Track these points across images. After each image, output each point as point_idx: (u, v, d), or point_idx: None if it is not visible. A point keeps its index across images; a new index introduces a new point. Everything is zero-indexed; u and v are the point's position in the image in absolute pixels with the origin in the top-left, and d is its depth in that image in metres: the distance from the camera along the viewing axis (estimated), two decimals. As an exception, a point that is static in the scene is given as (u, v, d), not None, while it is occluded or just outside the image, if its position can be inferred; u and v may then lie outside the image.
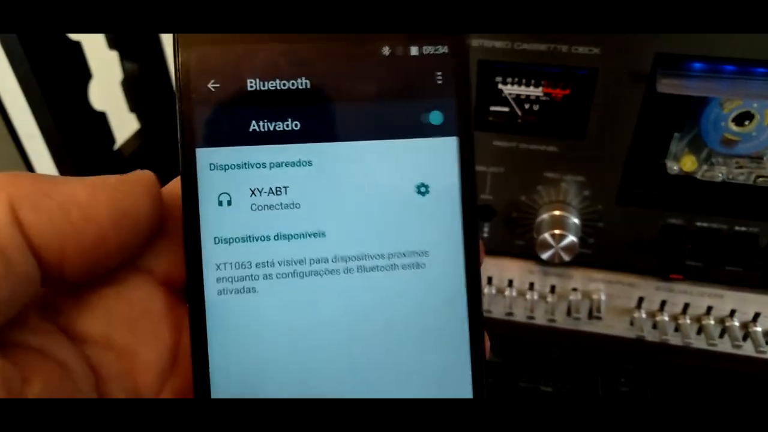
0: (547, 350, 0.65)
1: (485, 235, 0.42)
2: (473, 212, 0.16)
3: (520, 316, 0.45)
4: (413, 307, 0.16)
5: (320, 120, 0.16)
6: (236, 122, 0.15)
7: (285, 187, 0.16)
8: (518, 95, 0.36)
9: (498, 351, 0.65)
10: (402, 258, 0.16)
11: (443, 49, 0.16)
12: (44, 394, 0.14)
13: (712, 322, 0.42)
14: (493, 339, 0.57)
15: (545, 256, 0.38)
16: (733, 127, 0.36)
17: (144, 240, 0.16)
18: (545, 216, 0.38)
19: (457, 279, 0.16)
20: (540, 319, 0.44)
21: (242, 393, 0.16)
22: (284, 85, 0.15)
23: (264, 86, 0.15)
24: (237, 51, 0.15)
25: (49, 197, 0.14)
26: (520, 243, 0.41)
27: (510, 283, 0.44)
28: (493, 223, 0.41)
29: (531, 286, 0.44)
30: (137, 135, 0.57)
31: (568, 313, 0.43)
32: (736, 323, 0.41)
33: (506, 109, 0.36)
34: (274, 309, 0.16)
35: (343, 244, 0.16)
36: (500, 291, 0.44)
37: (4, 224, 0.13)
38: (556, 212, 0.38)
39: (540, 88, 0.35)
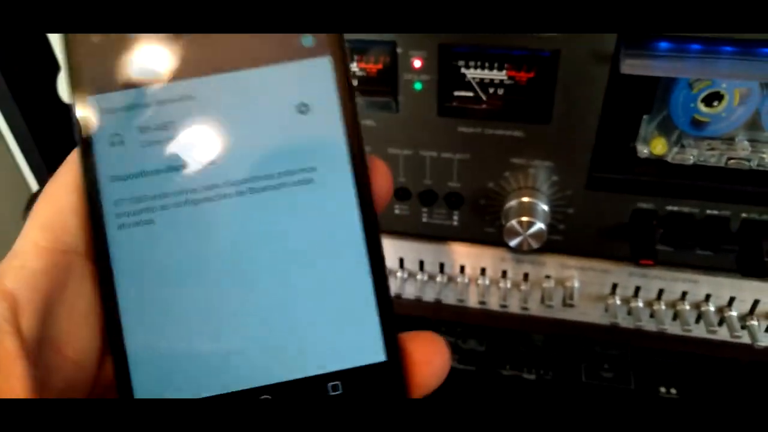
0: (530, 337, 0.65)
1: (455, 223, 0.41)
2: (356, 126, 0.17)
3: (493, 304, 0.44)
4: (308, 222, 0.17)
5: (198, 54, 0.16)
6: (121, 68, 0.16)
7: (171, 122, 0.16)
8: (482, 79, 0.35)
9: (479, 339, 0.65)
10: (291, 176, 0.17)
11: None
12: None
13: (687, 307, 0.41)
14: (471, 328, 0.56)
15: (513, 243, 0.37)
16: (703, 108, 0.35)
17: None
18: (513, 203, 0.37)
19: (347, 190, 0.17)
20: (514, 307, 0.44)
21: (151, 323, 0.17)
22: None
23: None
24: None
25: None
26: (491, 230, 0.41)
27: (483, 271, 0.43)
28: (462, 211, 0.40)
29: (504, 274, 0.43)
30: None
31: (542, 300, 0.43)
32: (712, 308, 0.41)
33: (470, 94, 0.35)
34: (172, 238, 0.17)
35: (233, 168, 0.17)
36: (473, 279, 0.44)
37: None
38: (525, 199, 0.37)
39: (504, 72, 0.35)
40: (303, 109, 0.17)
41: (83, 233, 0.17)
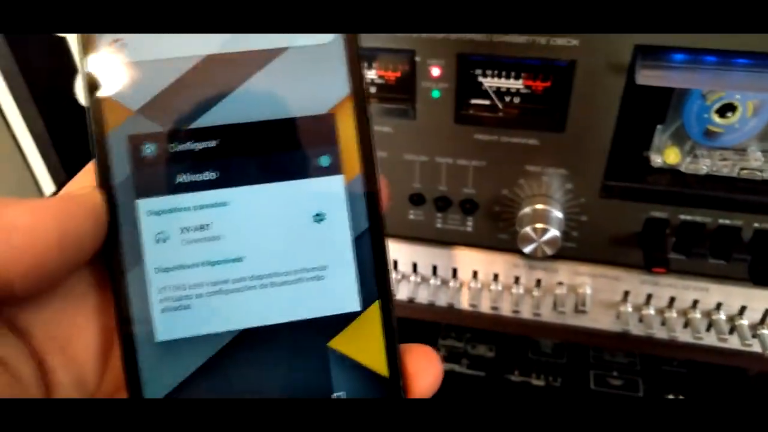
0: (539, 344, 0.65)
1: (468, 229, 0.41)
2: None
3: (506, 310, 0.44)
4: (318, 306, 0.20)
5: (233, 169, 0.19)
6: (167, 176, 0.19)
7: (208, 224, 0.19)
8: (498, 88, 0.36)
9: (489, 345, 0.65)
10: (306, 273, 0.20)
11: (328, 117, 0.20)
12: None
13: (699, 315, 0.41)
14: (481, 335, 0.57)
15: (527, 249, 0.38)
16: (716, 119, 0.35)
17: (88, 255, 0.17)
18: (527, 210, 0.38)
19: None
20: (526, 313, 0.44)
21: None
22: (204, 146, 0.19)
23: (187, 148, 0.19)
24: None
25: None
26: (504, 237, 0.41)
27: (495, 277, 0.44)
28: (477, 217, 0.41)
29: (516, 280, 0.44)
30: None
31: (554, 306, 0.43)
32: (722, 316, 0.41)
33: (487, 102, 0.36)
34: (204, 319, 0.19)
35: (258, 265, 0.19)
36: (486, 285, 0.44)
37: None
38: (539, 206, 0.38)
39: (520, 81, 0.35)
40: (318, 218, 0.20)
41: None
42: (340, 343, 0.19)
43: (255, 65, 0.19)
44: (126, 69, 0.18)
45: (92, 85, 0.18)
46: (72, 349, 0.17)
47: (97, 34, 0.18)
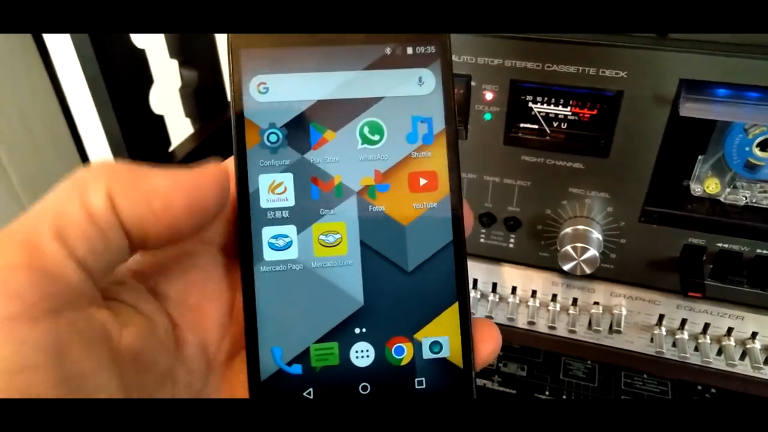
0: (571, 366, 0.66)
1: (511, 245, 0.43)
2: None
3: (541, 326, 0.46)
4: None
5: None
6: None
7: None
8: (547, 113, 0.38)
9: (521, 364, 0.67)
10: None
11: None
12: (135, 339, 0.18)
13: (733, 342, 0.42)
14: (514, 352, 0.58)
15: (567, 267, 0.40)
16: (758, 153, 0.37)
17: (211, 221, 0.20)
18: (569, 230, 0.40)
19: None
20: (561, 330, 0.46)
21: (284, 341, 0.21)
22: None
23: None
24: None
25: (135, 188, 0.17)
26: (545, 255, 0.43)
27: (533, 293, 0.46)
28: (519, 234, 0.43)
29: (554, 297, 0.45)
30: (191, 138, 0.61)
31: (589, 325, 0.45)
32: (758, 345, 0.42)
33: (535, 126, 0.38)
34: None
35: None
36: (523, 301, 0.46)
37: (104, 209, 0.17)
38: (580, 227, 0.40)
39: (568, 108, 0.37)
40: None
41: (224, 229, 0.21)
42: (425, 333, 0.22)
43: (361, 107, 0.22)
44: (264, 104, 0.22)
45: (239, 112, 0.22)
46: (199, 315, 0.20)
47: (248, 77, 0.22)
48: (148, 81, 0.56)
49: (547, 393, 0.64)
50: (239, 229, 0.21)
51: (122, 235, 0.17)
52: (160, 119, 0.57)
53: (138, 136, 0.55)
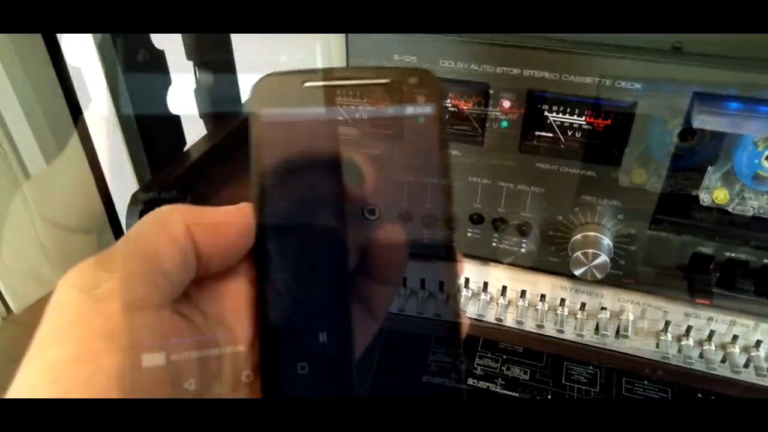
0: (573, 372, 0.67)
1: (522, 250, 0.44)
2: None
3: (549, 330, 0.47)
4: None
5: None
6: None
7: None
8: (562, 122, 0.39)
9: (524, 368, 0.68)
10: None
11: None
12: (188, 344, 0.20)
13: (737, 350, 0.43)
14: (517, 357, 0.59)
15: (578, 272, 0.41)
16: (766, 165, 0.38)
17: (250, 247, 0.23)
18: (580, 236, 0.41)
19: None
20: (568, 334, 0.47)
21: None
22: None
23: None
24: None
25: (204, 221, 0.21)
26: (555, 260, 0.44)
27: (542, 297, 0.47)
28: (530, 239, 0.44)
29: (562, 302, 0.46)
30: (204, 139, 0.62)
31: (596, 330, 0.46)
32: (762, 353, 0.43)
33: (550, 135, 0.39)
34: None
35: None
36: (532, 305, 0.47)
37: (184, 236, 0.21)
38: (591, 233, 0.41)
39: (583, 118, 0.38)
40: None
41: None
42: None
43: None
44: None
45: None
46: (232, 332, 0.22)
47: None
48: (166, 82, 0.57)
49: (549, 397, 0.65)
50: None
51: (194, 259, 0.21)
52: (176, 119, 0.58)
53: (156, 136, 0.56)
